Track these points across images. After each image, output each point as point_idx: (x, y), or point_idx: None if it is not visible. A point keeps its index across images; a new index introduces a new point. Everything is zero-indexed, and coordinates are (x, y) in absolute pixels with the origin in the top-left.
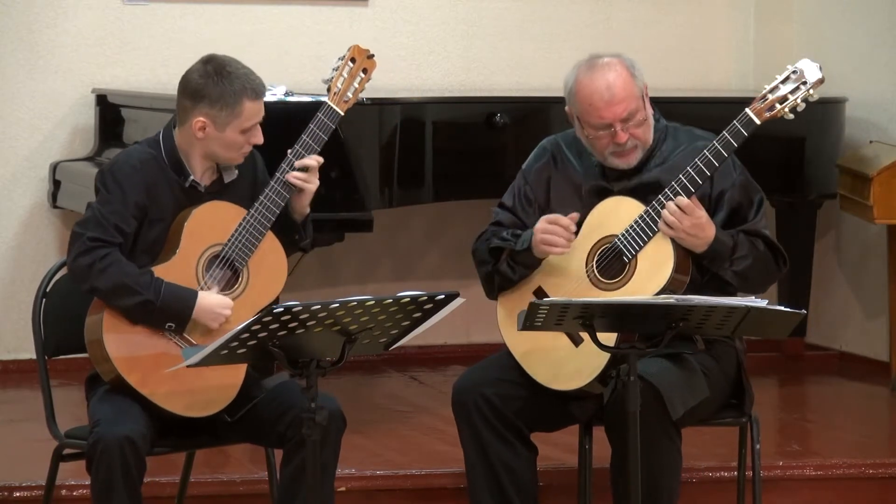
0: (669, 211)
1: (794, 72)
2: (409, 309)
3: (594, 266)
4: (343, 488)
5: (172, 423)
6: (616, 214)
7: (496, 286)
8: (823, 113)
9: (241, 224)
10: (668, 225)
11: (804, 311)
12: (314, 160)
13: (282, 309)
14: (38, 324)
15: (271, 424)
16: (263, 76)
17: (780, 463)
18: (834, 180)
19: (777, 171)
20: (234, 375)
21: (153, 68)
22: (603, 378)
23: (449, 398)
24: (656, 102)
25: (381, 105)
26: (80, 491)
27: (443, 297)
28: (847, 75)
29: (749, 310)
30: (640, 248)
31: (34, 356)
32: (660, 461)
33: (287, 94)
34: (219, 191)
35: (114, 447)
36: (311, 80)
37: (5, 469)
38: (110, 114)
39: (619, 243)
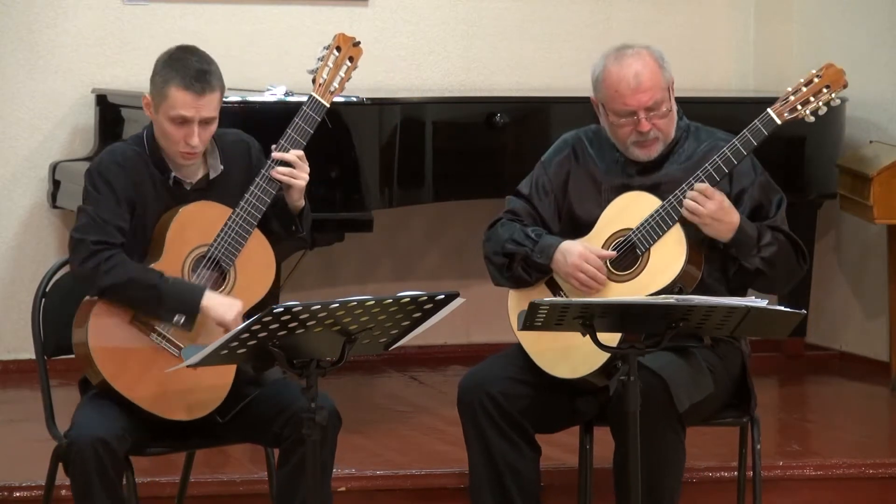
0: (691, 198)
1: (818, 76)
2: (409, 309)
3: (613, 257)
4: (343, 488)
5: (167, 425)
6: (633, 209)
7: (509, 283)
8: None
9: (226, 224)
10: (691, 212)
11: (804, 311)
12: (293, 155)
13: (282, 309)
14: (37, 324)
15: (267, 424)
16: (263, 76)
17: (780, 463)
18: (834, 180)
19: (777, 170)
20: (223, 376)
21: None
22: (607, 369)
23: (449, 398)
24: None
25: (381, 105)
26: None
27: (443, 297)
28: (847, 75)
29: (749, 310)
30: (655, 241)
31: (34, 356)
32: (664, 454)
33: (287, 94)
34: (205, 188)
35: (87, 449)
36: (311, 80)
37: (5, 469)
38: (110, 114)
39: (633, 236)
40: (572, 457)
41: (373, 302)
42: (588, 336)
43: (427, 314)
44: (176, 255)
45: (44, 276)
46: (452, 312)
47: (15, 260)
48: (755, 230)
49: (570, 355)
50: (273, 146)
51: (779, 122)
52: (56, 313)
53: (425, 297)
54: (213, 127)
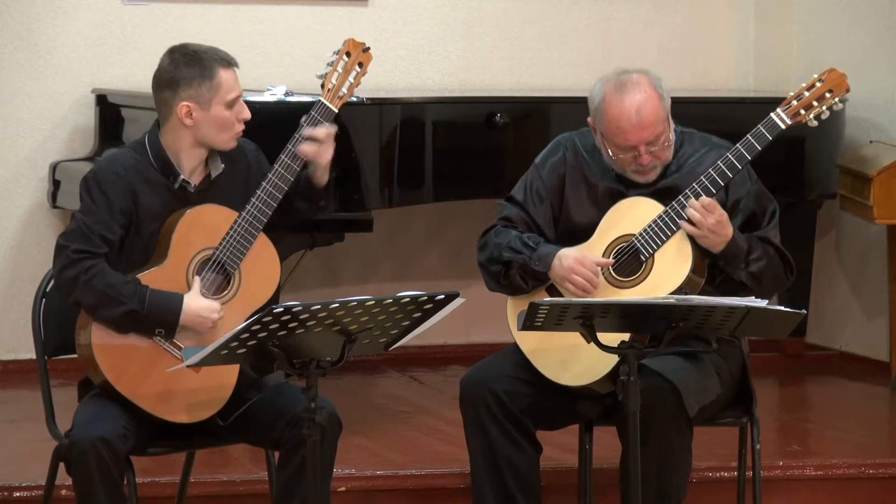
0: (694, 209)
1: (820, 80)
2: (409, 309)
3: (610, 264)
4: (343, 488)
5: (168, 426)
6: (633, 214)
7: (504, 290)
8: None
9: (232, 227)
10: (692, 222)
11: (804, 311)
12: (323, 130)
13: (282, 309)
14: (37, 324)
15: (267, 428)
16: (263, 76)
17: (780, 463)
18: (834, 180)
19: (777, 171)
20: (226, 379)
21: (153, 68)
22: (613, 376)
23: (449, 398)
24: None
25: (381, 105)
26: None
27: (443, 297)
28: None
29: (749, 310)
30: (658, 247)
31: (34, 356)
32: (672, 458)
33: (287, 93)
34: (207, 188)
35: (88, 449)
36: (311, 80)
37: (5, 469)
38: (110, 114)
39: (636, 242)
40: (572, 457)
41: (373, 302)
42: (591, 343)
43: (427, 314)
44: (180, 259)
45: (44, 276)
46: (452, 312)
47: (15, 260)
48: (746, 243)
49: (572, 364)
50: (283, 154)
51: (783, 126)
52: (56, 313)
53: (425, 297)
54: None
